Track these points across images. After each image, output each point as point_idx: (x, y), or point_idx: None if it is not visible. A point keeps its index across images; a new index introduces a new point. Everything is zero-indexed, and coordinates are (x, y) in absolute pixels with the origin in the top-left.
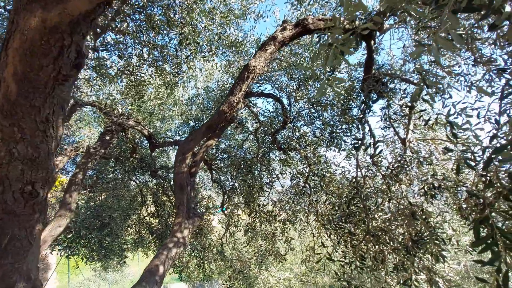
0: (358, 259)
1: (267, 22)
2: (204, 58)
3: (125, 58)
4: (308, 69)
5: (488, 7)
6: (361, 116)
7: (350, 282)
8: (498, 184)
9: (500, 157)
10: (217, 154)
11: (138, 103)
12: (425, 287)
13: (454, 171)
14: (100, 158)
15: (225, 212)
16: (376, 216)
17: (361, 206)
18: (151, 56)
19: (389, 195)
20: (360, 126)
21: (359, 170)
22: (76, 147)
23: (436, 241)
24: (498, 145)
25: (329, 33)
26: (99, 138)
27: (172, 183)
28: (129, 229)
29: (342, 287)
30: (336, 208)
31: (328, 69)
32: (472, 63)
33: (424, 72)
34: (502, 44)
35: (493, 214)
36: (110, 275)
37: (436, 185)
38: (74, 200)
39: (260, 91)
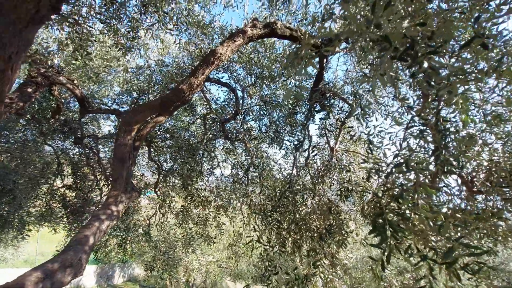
0: (280, 244)
1: (235, 13)
2: (168, 30)
3: (71, 4)
4: (267, 69)
5: (413, 60)
6: (305, 121)
7: (271, 262)
8: (394, 191)
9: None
10: (159, 133)
11: (74, 56)
12: (328, 269)
13: (365, 178)
14: (14, 113)
15: (157, 192)
16: (300, 209)
17: (291, 199)
18: (105, 10)
19: (314, 192)
20: (302, 130)
21: (294, 168)
22: None
23: (342, 232)
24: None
25: (298, 46)
26: (18, 88)
27: (101, 155)
28: (36, 200)
29: (265, 267)
30: (269, 199)
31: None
32: (393, 97)
33: (358, 96)
34: (414, 87)
35: (387, 211)
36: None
37: (349, 189)
38: None
39: (217, 78)
